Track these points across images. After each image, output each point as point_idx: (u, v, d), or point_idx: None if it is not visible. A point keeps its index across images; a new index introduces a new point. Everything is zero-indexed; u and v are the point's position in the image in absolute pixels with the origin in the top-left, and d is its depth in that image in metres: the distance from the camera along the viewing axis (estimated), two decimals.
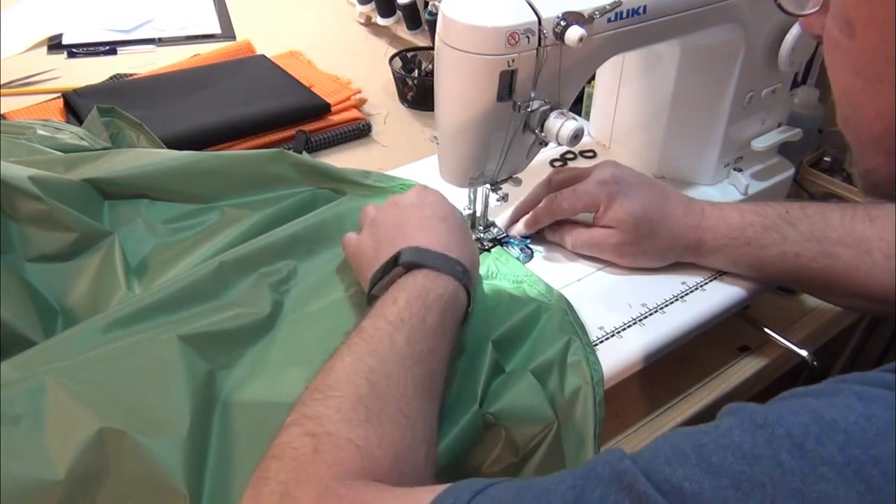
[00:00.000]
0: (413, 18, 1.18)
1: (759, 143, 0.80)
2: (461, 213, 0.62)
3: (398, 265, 0.54)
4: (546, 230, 0.71)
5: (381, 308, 0.51)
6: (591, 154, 0.86)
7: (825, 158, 0.91)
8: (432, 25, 1.11)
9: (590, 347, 0.58)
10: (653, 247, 0.66)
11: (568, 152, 0.86)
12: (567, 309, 0.61)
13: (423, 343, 0.49)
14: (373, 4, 1.25)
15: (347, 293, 0.63)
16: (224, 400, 0.54)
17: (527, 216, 0.72)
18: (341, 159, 0.96)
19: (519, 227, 0.72)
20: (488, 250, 0.70)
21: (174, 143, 0.84)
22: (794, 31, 0.73)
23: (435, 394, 0.49)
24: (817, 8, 0.43)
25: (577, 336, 0.58)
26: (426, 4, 1.11)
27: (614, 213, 0.66)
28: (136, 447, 0.49)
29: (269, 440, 0.47)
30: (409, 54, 1.13)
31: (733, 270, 0.67)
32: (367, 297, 0.56)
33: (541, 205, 0.70)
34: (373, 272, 0.56)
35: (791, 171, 0.84)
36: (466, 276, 0.55)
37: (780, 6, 0.48)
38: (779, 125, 0.83)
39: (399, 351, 0.47)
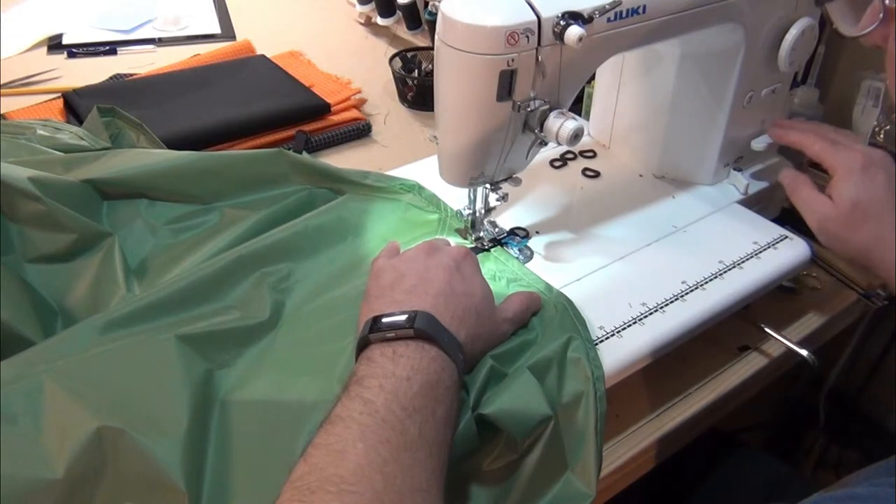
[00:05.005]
0: (413, 18, 1.18)
1: (759, 143, 0.80)
2: (490, 292, 0.59)
3: (411, 327, 0.51)
4: (784, 171, 0.73)
5: (393, 383, 0.48)
6: (591, 154, 0.86)
7: None
8: (432, 25, 1.11)
9: (590, 343, 0.58)
10: (852, 238, 0.65)
11: (568, 152, 0.86)
12: (567, 305, 0.61)
13: (433, 434, 0.47)
14: (373, 4, 1.25)
15: (347, 293, 0.63)
16: (223, 398, 0.54)
17: (787, 122, 0.75)
18: (341, 159, 0.96)
19: (770, 131, 0.76)
20: (488, 250, 0.70)
21: (174, 143, 0.84)
22: (794, 30, 0.72)
23: (443, 481, 0.47)
24: (876, 24, 0.43)
25: (578, 333, 0.58)
26: (426, 4, 1.11)
27: (842, 187, 0.65)
28: (135, 446, 0.49)
29: (269, 438, 0.47)
30: (409, 54, 1.13)
31: None
32: (362, 334, 0.52)
33: (806, 124, 0.72)
34: (379, 306, 0.54)
35: None
36: (463, 365, 0.52)
37: (837, 32, 0.48)
38: None
39: (412, 443, 0.45)
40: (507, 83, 0.58)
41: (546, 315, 0.61)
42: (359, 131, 1.01)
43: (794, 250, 0.71)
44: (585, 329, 0.59)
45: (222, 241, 0.67)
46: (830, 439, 1.10)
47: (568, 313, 0.60)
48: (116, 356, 0.55)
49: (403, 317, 0.51)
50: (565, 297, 0.62)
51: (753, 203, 0.79)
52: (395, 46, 1.22)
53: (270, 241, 0.66)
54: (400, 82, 1.09)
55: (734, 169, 0.81)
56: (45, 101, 1.05)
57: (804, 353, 0.70)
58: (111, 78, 1.11)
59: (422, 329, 0.50)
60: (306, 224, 0.69)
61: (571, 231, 0.74)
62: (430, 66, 1.11)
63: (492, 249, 0.70)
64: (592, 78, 0.86)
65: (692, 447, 0.70)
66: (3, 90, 1.08)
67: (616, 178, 0.83)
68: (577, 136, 0.60)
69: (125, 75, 1.12)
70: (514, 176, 0.69)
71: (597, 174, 0.83)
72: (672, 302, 0.65)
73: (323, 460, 0.43)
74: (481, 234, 0.71)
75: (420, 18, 1.17)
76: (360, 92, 1.09)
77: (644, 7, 0.62)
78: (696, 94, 0.76)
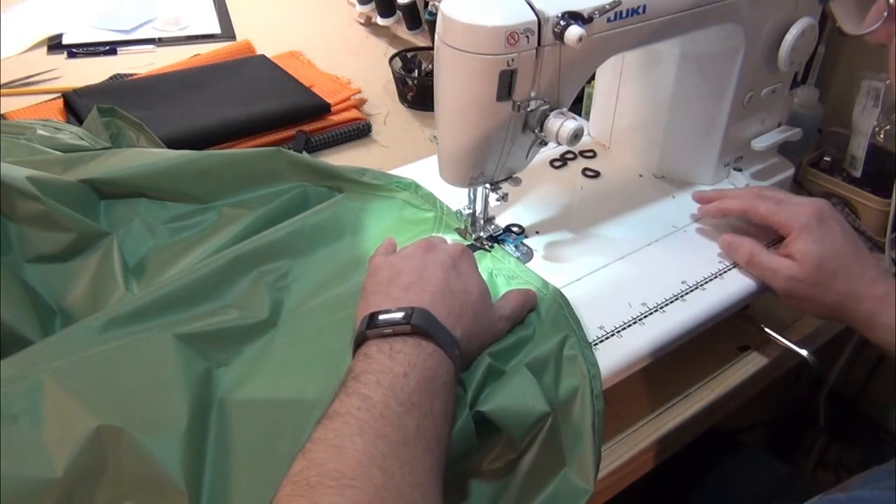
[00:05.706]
0: (413, 18, 1.18)
1: (759, 143, 0.80)
2: (487, 290, 0.59)
3: (408, 323, 0.51)
4: (724, 237, 0.70)
5: (391, 378, 0.48)
6: (590, 154, 0.86)
7: (825, 158, 0.90)
8: (432, 25, 1.11)
9: (585, 342, 0.58)
10: (824, 297, 0.64)
11: (568, 152, 0.86)
12: (562, 303, 0.61)
13: (430, 430, 0.47)
14: (373, 4, 1.25)
15: (345, 292, 0.63)
16: (222, 397, 0.54)
17: (713, 195, 0.72)
18: (341, 159, 0.96)
19: (701, 205, 0.73)
20: (488, 249, 0.70)
21: (174, 143, 0.84)
22: (794, 30, 0.73)
23: (441, 476, 0.47)
24: (880, 22, 0.43)
25: (573, 332, 0.58)
26: (426, 4, 1.11)
27: (803, 245, 0.64)
28: (135, 445, 0.49)
29: (268, 436, 0.46)
30: (409, 54, 1.13)
31: None
32: (359, 331, 0.52)
33: (739, 191, 0.69)
34: (376, 303, 0.54)
35: (791, 171, 0.84)
36: (459, 361, 0.52)
37: (840, 30, 0.48)
38: (779, 125, 0.83)
39: (410, 439, 0.46)
40: (507, 83, 0.58)
41: (542, 311, 0.61)
42: (359, 131, 1.01)
43: None
44: (580, 328, 0.59)
45: (220, 240, 0.67)
46: (830, 439, 1.10)
47: (563, 312, 0.60)
48: (116, 355, 0.55)
49: (400, 313, 0.51)
50: (561, 293, 0.62)
51: None
52: (395, 46, 1.22)
53: (268, 239, 0.66)
54: (400, 82, 1.09)
55: (734, 169, 0.81)
56: (45, 101, 1.05)
57: (804, 353, 0.70)
58: (111, 78, 1.11)
59: (419, 325, 0.50)
60: (303, 223, 0.69)
61: (571, 231, 0.74)
62: (430, 66, 1.11)
63: (490, 248, 0.70)
64: (592, 78, 0.86)
65: (692, 447, 0.70)
66: (3, 90, 1.08)
67: (616, 178, 0.83)
68: (577, 136, 0.60)
69: (125, 75, 1.12)
70: (514, 176, 0.69)
71: (597, 174, 0.83)
72: (672, 302, 0.65)
73: (322, 455, 0.43)
74: (480, 232, 0.71)
75: (420, 18, 1.17)
76: (360, 92, 1.09)
77: (644, 7, 0.62)
78: (696, 94, 0.76)
